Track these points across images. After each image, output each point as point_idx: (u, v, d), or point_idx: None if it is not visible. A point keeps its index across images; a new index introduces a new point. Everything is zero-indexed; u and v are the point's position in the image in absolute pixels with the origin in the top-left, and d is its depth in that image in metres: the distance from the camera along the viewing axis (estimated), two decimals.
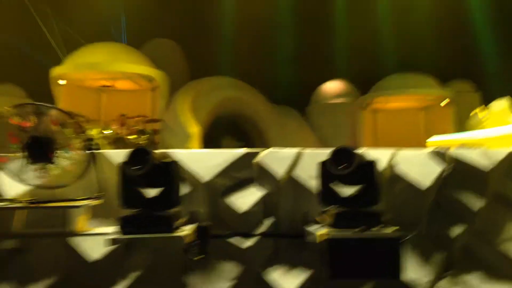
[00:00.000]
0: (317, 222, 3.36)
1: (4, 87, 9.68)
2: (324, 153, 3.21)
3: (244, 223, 3.54)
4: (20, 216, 3.30)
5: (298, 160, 3.73)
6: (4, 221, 3.22)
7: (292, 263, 3.58)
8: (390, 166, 3.71)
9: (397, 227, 3.10)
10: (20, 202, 3.24)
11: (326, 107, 10.41)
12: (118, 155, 3.38)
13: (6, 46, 9.74)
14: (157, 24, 10.81)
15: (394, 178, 3.66)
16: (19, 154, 3.24)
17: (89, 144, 3.29)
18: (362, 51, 10.55)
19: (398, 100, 9.87)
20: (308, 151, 3.80)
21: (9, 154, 3.29)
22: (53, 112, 3.18)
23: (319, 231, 3.10)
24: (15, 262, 3.40)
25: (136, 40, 10.55)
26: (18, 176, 3.28)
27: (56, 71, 8.79)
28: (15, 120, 3.14)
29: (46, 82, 9.19)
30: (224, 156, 3.67)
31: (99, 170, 3.34)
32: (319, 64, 10.82)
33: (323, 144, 9.34)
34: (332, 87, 10.68)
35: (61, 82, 8.90)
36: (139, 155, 3.09)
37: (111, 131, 8.04)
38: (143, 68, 8.96)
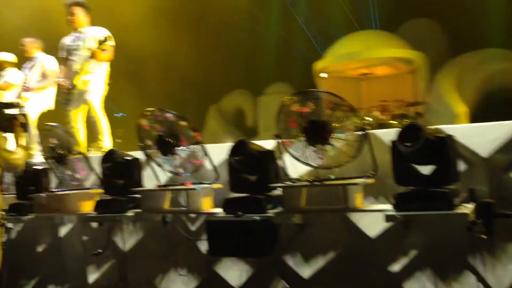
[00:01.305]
0: None
1: (276, 86, 10.80)
2: None
3: None
4: (303, 194, 3.63)
5: None
6: (292, 198, 3.59)
7: None
8: None
9: None
10: (305, 181, 3.57)
11: None
12: (390, 134, 3.41)
13: (276, 47, 10.80)
14: (409, 5, 10.48)
15: None
16: (300, 138, 3.57)
17: (361, 125, 3.41)
18: None
19: None
20: None
21: (291, 139, 3.65)
22: (327, 97, 3.40)
23: None
24: (301, 236, 3.78)
25: (389, 24, 10.43)
26: (299, 158, 3.63)
27: (318, 65, 9.40)
28: (295, 107, 3.48)
29: (309, 77, 9.90)
30: (504, 129, 3.35)
31: (371, 149, 3.43)
32: None
33: None
34: None
35: (322, 75, 9.48)
36: (412, 132, 3.08)
37: (373, 118, 8.16)
38: (401, 51, 8.85)
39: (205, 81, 11.38)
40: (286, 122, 3.63)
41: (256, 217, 3.55)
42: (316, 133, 3.48)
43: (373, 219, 3.53)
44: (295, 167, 3.76)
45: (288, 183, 3.64)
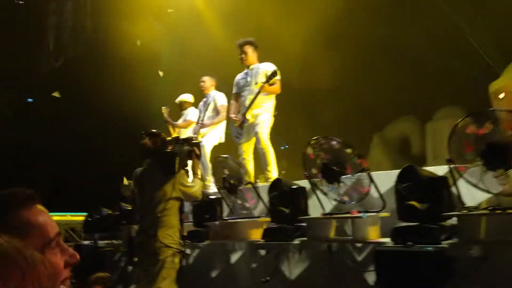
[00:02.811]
0: None
1: (446, 110, 10.17)
2: None
3: None
4: (482, 224, 3.29)
5: None
6: (469, 228, 3.27)
7: None
8: None
9: None
10: (484, 209, 3.24)
11: None
12: None
13: (446, 68, 10.18)
14: None
15: None
16: (477, 162, 3.26)
17: None
18: None
19: None
20: None
21: (466, 164, 3.36)
22: (508, 116, 3.07)
23: None
24: (480, 270, 3.40)
25: None
26: (477, 184, 3.31)
27: (494, 85, 8.60)
28: (470, 129, 3.20)
29: (483, 99, 9.11)
30: None
31: None
32: None
33: None
34: None
35: (501, 96, 8.65)
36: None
37: None
38: None
39: (370, 109, 11.21)
40: (460, 145, 3.36)
41: (429, 247, 3.30)
42: (496, 156, 3.15)
43: None
44: (471, 195, 3.44)
45: (464, 211, 3.33)
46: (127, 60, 11.99)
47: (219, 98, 7.34)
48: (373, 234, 3.98)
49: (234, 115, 6.45)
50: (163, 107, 8.31)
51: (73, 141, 13.13)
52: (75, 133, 13.07)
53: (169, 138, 4.55)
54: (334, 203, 4.34)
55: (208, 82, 7.54)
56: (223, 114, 7.23)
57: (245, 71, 6.47)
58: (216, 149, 7.34)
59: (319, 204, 4.41)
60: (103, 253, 7.54)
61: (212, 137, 7.29)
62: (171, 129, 8.37)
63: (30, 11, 14.24)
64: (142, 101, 11.26)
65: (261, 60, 6.51)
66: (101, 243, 7.57)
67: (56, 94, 12.67)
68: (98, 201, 8.45)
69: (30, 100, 15.51)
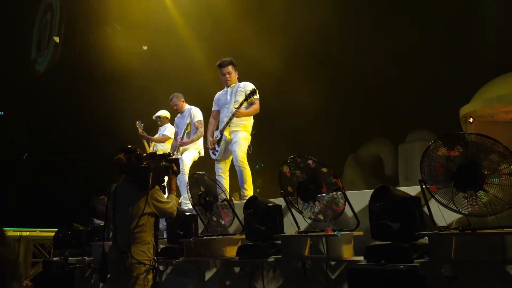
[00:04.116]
0: None
1: (418, 133, 10.40)
2: None
3: None
4: (453, 243, 3.37)
5: None
6: (440, 247, 3.35)
7: None
8: None
9: None
10: (454, 229, 3.33)
11: None
12: None
13: (417, 93, 10.43)
14: None
15: None
16: (448, 184, 3.36)
17: None
18: None
19: None
20: None
21: (438, 185, 3.46)
22: (478, 139, 3.18)
23: None
24: None
25: None
26: (448, 205, 3.41)
27: (464, 109, 8.86)
28: (442, 151, 3.31)
29: (453, 123, 9.37)
30: None
31: None
32: None
33: None
34: None
35: (470, 120, 8.90)
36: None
37: None
38: None
39: (343, 130, 11.39)
40: (432, 167, 3.47)
41: (401, 266, 3.37)
42: (467, 178, 3.26)
43: None
44: (442, 215, 3.53)
45: (436, 231, 3.42)
46: (102, 74, 11.93)
47: (196, 114, 7.36)
48: (347, 252, 4.03)
49: (211, 132, 6.49)
50: (137, 122, 8.30)
51: (44, 155, 12.92)
52: (47, 146, 12.86)
53: (145, 154, 4.52)
54: (309, 221, 4.38)
55: (179, 102, 7.53)
56: (201, 129, 7.26)
57: (225, 89, 6.52)
58: (193, 166, 7.34)
59: (294, 222, 4.45)
60: (73, 269, 7.39)
61: (191, 153, 7.30)
62: (146, 145, 8.35)
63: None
64: (117, 115, 11.19)
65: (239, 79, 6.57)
66: (71, 259, 7.42)
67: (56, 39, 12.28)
68: (69, 217, 8.32)
69: (1, 113, 15.24)
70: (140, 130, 8.19)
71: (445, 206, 3.42)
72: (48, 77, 13.89)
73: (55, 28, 14.25)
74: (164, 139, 8.03)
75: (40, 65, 14.80)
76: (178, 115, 7.60)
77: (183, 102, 7.57)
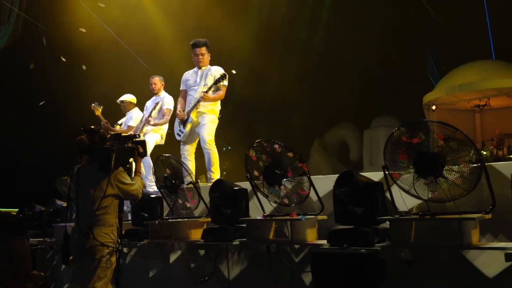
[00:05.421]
0: None
1: (383, 119, 10.58)
2: None
3: None
4: (413, 228, 3.46)
5: None
6: (401, 232, 3.44)
7: None
8: None
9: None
10: (414, 214, 3.42)
11: None
12: (510, 167, 3.18)
13: (385, 80, 10.59)
14: None
15: None
16: (409, 170, 3.44)
17: (477, 157, 3.22)
18: None
19: None
20: None
21: (400, 171, 3.53)
22: (439, 127, 3.26)
23: None
24: (410, 272, 3.59)
25: (508, 54, 9.84)
26: (409, 191, 3.50)
27: (428, 97, 9.07)
28: (405, 138, 3.37)
29: (418, 110, 9.57)
30: None
31: (489, 183, 3.21)
32: None
33: None
34: None
35: (433, 107, 9.11)
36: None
37: (488, 152, 7.67)
38: None
39: (311, 114, 11.48)
40: (395, 153, 3.54)
41: (362, 250, 3.45)
42: (427, 165, 3.34)
43: (491, 257, 3.27)
44: (404, 200, 3.63)
45: (397, 216, 3.51)
46: (64, 52, 11.56)
47: (167, 102, 7.24)
48: (311, 236, 4.09)
49: (179, 111, 6.40)
50: (93, 104, 7.79)
51: (5, 134, 12.52)
52: (8, 126, 12.47)
53: (109, 135, 4.43)
54: (275, 205, 4.42)
55: (159, 84, 7.40)
56: (167, 118, 7.16)
57: (195, 69, 6.42)
58: (159, 149, 7.25)
59: (260, 206, 4.48)
60: (34, 251, 7.25)
61: (154, 136, 7.20)
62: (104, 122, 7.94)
63: None
64: (82, 94, 10.90)
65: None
66: (32, 240, 7.28)
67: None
68: (31, 197, 8.12)
69: None
70: (97, 112, 7.77)
71: (406, 191, 3.50)
72: (8, 53, 13.39)
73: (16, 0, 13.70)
74: (126, 131, 7.69)
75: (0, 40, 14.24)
76: (153, 97, 7.45)
77: (162, 85, 7.43)
